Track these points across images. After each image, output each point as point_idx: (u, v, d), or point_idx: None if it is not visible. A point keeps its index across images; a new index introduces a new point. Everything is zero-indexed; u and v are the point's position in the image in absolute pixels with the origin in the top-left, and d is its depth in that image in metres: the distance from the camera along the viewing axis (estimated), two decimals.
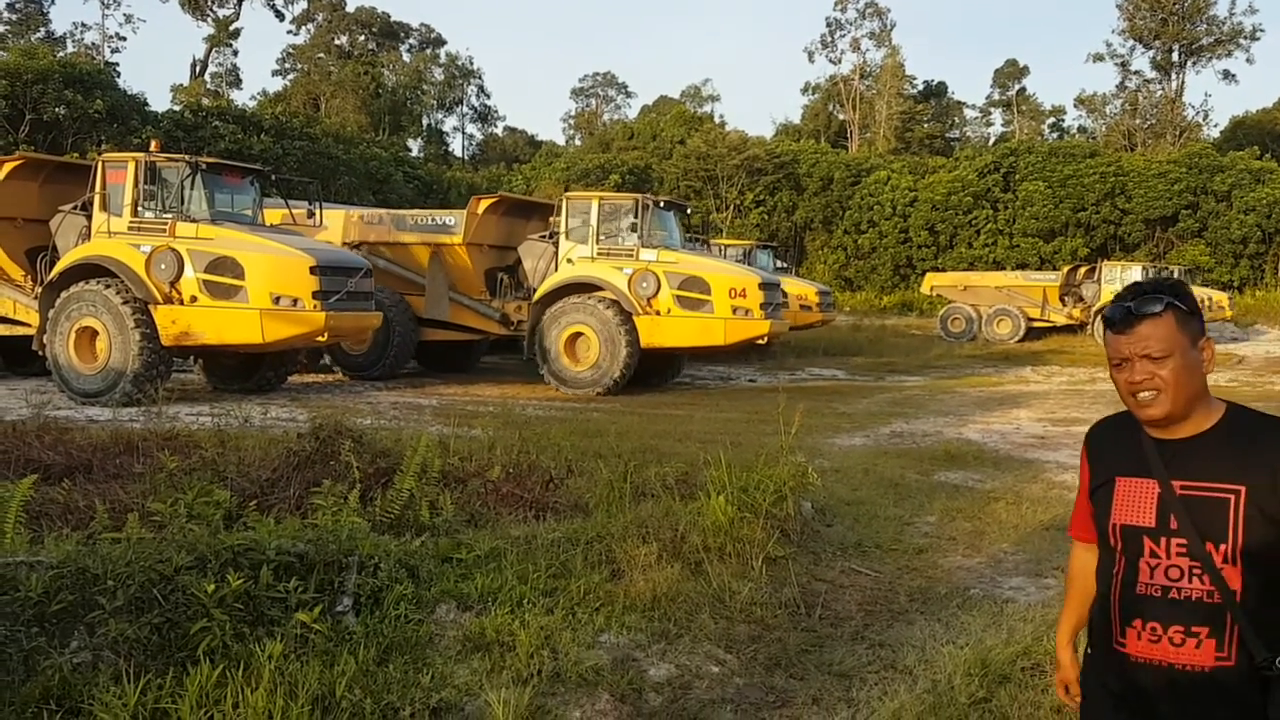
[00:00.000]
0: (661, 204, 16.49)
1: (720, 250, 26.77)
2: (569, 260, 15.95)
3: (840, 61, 70.67)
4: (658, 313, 15.36)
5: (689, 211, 18.44)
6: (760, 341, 16.09)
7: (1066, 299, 31.25)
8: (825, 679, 4.34)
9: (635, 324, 15.32)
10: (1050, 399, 16.21)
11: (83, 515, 5.23)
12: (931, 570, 6.02)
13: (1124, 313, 2.10)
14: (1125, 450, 2.21)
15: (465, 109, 76.35)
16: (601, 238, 15.80)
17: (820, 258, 49.97)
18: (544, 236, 16.45)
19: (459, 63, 74.81)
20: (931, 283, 34.11)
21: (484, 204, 16.49)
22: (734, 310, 15.31)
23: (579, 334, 15.50)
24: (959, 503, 7.77)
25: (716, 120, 66.03)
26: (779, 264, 29.30)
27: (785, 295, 25.06)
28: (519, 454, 7.51)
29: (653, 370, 16.83)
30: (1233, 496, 2.04)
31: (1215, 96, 77.26)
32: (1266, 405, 13.08)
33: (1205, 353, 2.13)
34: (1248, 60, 66.97)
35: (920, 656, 4.53)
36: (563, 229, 16.11)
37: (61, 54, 47.16)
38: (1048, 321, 31.11)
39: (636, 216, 15.75)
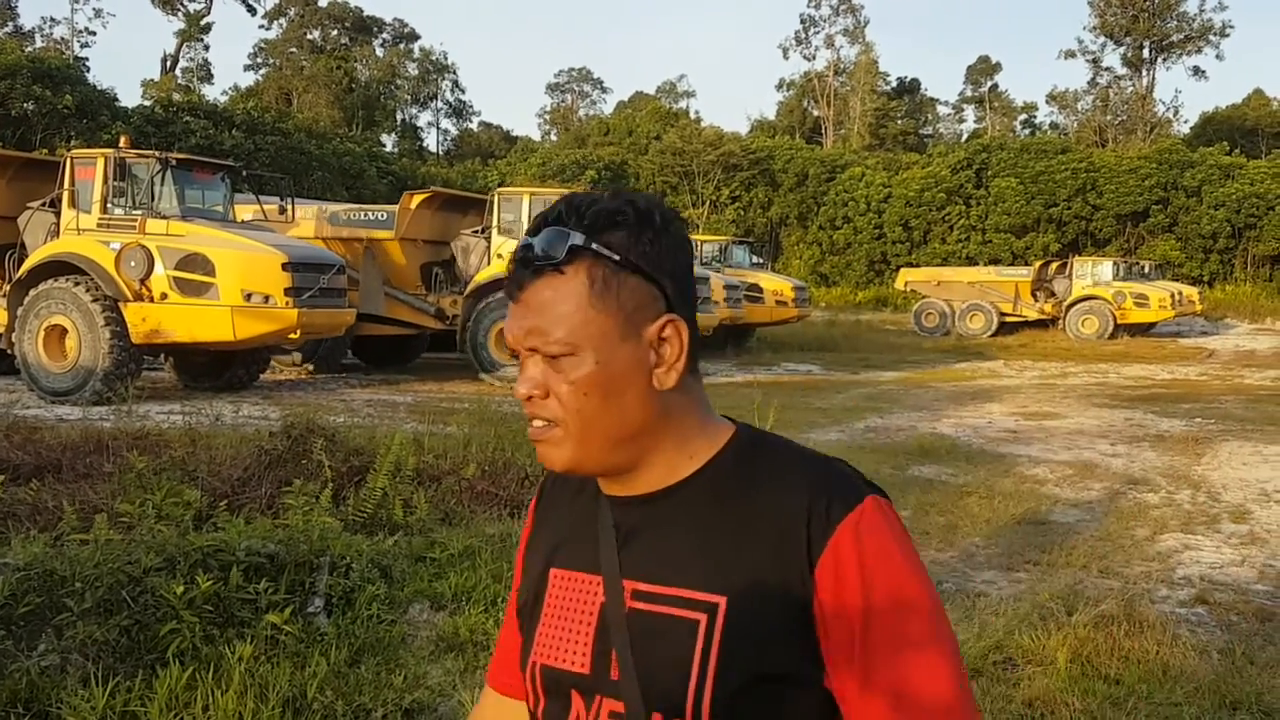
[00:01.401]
0: None
1: (697, 246, 26.83)
2: (499, 255, 16.15)
3: (815, 58, 71.01)
4: None
5: None
6: (706, 334, 16.23)
7: (1038, 294, 31.53)
8: None
9: None
10: (1022, 393, 16.34)
11: (51, 516, 5.17)
12: None
13: (521, 259, 1.14)
14: (578, 516, 1.25)
15: (440, 104, 76.01)
16: None
17: (796, 253, 50.15)
18: (477, 231, 16.68)
19: (433, 58, 74.48)
20: (905, 278, 34.31)
21: (417, 199, 16.65)
22: None
23: None
24: (932, 497, 7.81)
25: (692, 116, 66.12)
26: (755, 260, 29.36)
27: (751, 289, 25.22)
28: (494, 451, 7.50)
29: None
30: (703, 617, 1.11)
31: (1185, 93, 78.40)
32: (1237, 400, 13.31)
33: (667, 347, 1.14)
34: (1217, 57, 67.84)
35: None
36: (495, 224, 16.30)
37: (30, 49, 46.50)
38: (1020, 316, 31.37)
39: None
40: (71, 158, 13.31)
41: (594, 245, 1.11)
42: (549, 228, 1.13)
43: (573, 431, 1.14)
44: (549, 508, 1.32)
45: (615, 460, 1.16)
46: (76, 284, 12.48)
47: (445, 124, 77.41)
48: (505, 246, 16.07)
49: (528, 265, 1.13)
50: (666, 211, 1.17)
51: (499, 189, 17.17)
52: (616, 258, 1.11)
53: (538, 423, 1.16)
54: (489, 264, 16.18)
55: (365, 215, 16.81)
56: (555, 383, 1.13)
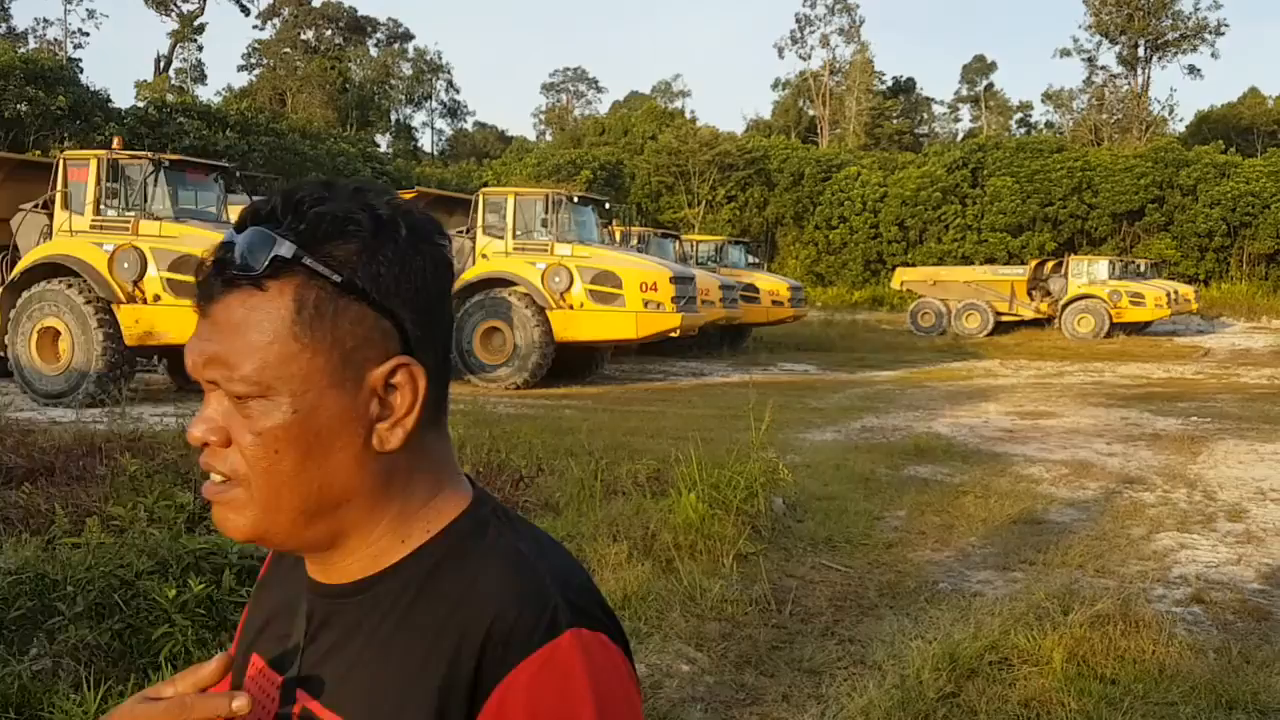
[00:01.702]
0: (575, 199, 16.86)
1: (693, 246, 26.83)
2: (484, 255, 16.19)
3: (810, 58, 71.32)
4: (570, 306, 15.62)
5: (607, 206, 18.70)
6: (673, 334, 16.34)
7: (1034, 293, 31.55)
8: (795, 675, 4.34)
9: (549, 318, 15.57)
10: (1018, 392, 16.34)
11: (44, 519, 5.15)
12: (901, 565, 6.04)
13: (215, 261, 0.89)
14: (290, 593, 1.01)
15: (434, 104, 75.98)
16: (517, 233, 16.08)
17: (792, 253, 50.16)
18: (460, 232, 16.71)
19: (427, 57, 74.43)
20: (901, 278, 34.33)
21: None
22: (645, 304, 15.59)
23: (494, 328, 15.76)
24: (928, 497, 7.81)
25: (688, 116, 66.04)
26: (751, 260, 29.36)
27: (747, 289, 25.20)
28: (489, 452, 7.49)
29: (573, 364, 17.06)
30: None
31: (1180, 91, 78.55)
32: (1233, 398, 13.30)
33: (396, 397, 0.90)
34: (1213, 55, 67.94)
35: (889, 651, 4.54)
36: (479, 224, 16.34)
37: (23, 50, 46.37)
38: (1016, 316, 31.39)
39: (550, 212, 16.03)
40: (64, 159, 13.26)
41: (307, 260, 0.84)
42: (254, 226, 0.86)
43: (257, 496, 0.87)
44: (275, 568, 1.08)
45: (310, 536, 0.90)
46: (69, 286, 12.44)
47: (440, 124, 77.54)
48: (490, 247, 16.16)
49: (221, 272, 0.87)
50: (419, 221, 0.90)
51: (484, 189, 17.22)
52: (338, 278, 0.85)
53: (215, 478, 0.89)
54: (473, 264, 16.25)
55: None
56: (239, 430, 0.87)
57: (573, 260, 15.67)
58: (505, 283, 15.85)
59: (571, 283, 15.52)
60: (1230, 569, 6.10)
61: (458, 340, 15.85)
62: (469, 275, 16.04)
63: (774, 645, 4.66)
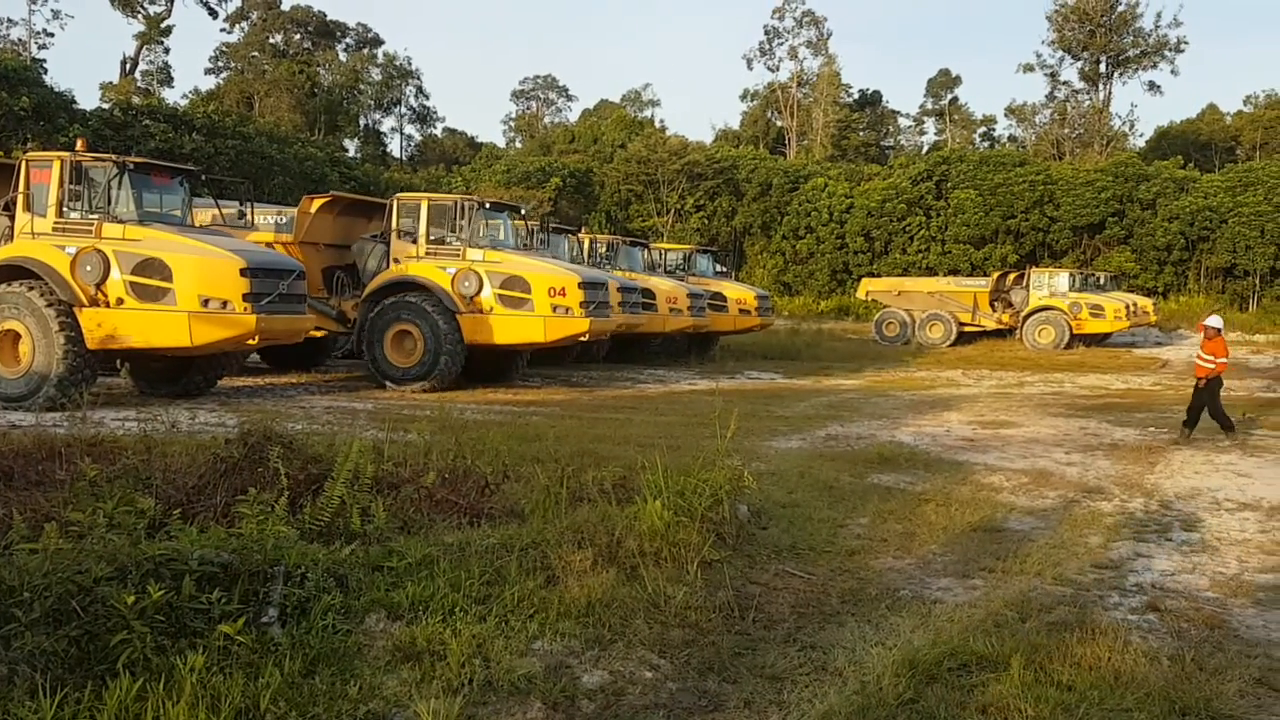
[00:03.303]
0: (488, 205, 17.07)
1: (661, 255, 26.89)
2: (396, 260, 16.32)
3: (778, 69, 71.47)
4: (480, 311, 15.77)
5: (523, 212, 18.86)
6: (582, 338, 16.48)
7: (996, 304, 31.95)
8: (757, 682, 4.37)
9: (459, 322, 15.71)
10: (980, 402, 16.52)
11: (1, 525, 5.07)
12: (863, 572, 6.09)
13: None
14: None
15: (403, 109, 75.63)
16: (430, 238, 16.20)
17: (759, 262, 50.42)
18: (374, 237, 16.84)
19: (397, 63, 74.09)
20: (867, 288, 34.62)
21: (316, 203, 16.71)
22: (554, 308, 15.77)
23: (405, 331, 15.89)
24: (891, 505, 7.88)
25: (657, 125, 66.32)
26: (719, 268, 29.48)
27: (714, 298, 25.29)
28: (455, 459, 7.45)
29: (491, 368, 17.24)
30: None
31: (1141, 107, 79.76)
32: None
33: None
34: (1172, 72, 68.98)
35: (850, 658, 4.59)
36: (394, 229, 16.44)
37: None
38: (978, 326, 31.76)
39: (462, 217, 16.20)
40: (26, 160, 13.07)
41: None
42: None
43: None
44: None
45: None
46: (31, 288, 12.26)
47: (409, 129, 77.09)
48: (404, 252, 16.30)
49: None
50: None
51: (398, 195, 17.32)
52: None
53: None
54: (387, 268, 16.36)
55: (267, 219, 16.80)
56: None
57: (483, 265, 15.86)
58: (417, 287, 16.00)
59: (481, 287, 15.72)
60: (1185, 577, 6.21)
61: (369, 343, 15.97)
62: (381, 279, 16.22)
63: (736, 652, 4.69)
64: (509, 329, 15.83)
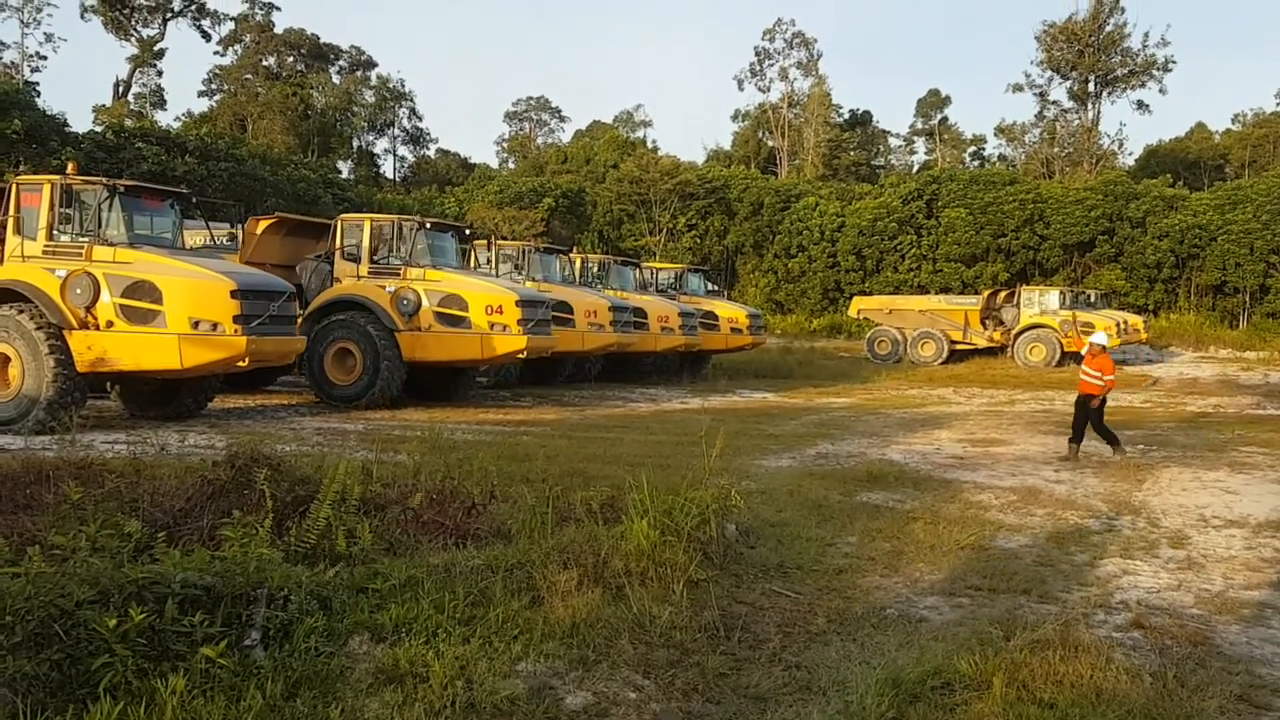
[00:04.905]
0: (429, 225, 17.27)
1: (653, 274, 26.97)
2: (338, 279, 16.55)
3: (769, 90, 71.83)
4: (419, 329, 15.92)
5: (467, 232, 19.01)
6: (520, 355, 16.58)
7: (987, 322, 32.06)
8: (741, 702, 4.37)
9: (398, 340, 15.85)
10: (970, 420, 16.56)
11: None
12: (850, 590, 6.10)
13: None
14: None
15: (397, 131, 75.86)
16: (375, 258, 16.39)
17: (751, 281, 50.57)
18: (319, 257, 16.97)
19: (390, 85, 74.37)
20: (858, 306, 34.73)
21: (262, 224, 16.87)
22: (491, 326, 15.93)
23: (346, 350, 16.02)
24: (879, 523, 7.89)
25: (649, 145, 66.56)
26: (711, 287, 29.56)
27: (706, 317, 25.35)
28: (443, 480, 7.45)
29: (441, 386, 17.44)
30: None
31: (1130, 126, 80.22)
32: (1179, 426, 13.56)
33: None
34: (1160, 91, 69.27)
35: (834, 677, 4.59)
36: (338, 249, 16.60)
37: None
38: (969, 344, 31.86)
39: (402, 237, 16.43)
40: (17, 184, 13.10)
41: None
42: None
43: None
44: None
45: None
46: (20, 311, 12.26)
47: (402, 151, 77.30)
48: (347, 271, 16.49)
49: None
50: None
51: (342, 215, 17.48)
52: None
53: None
54: (330, 287, 16.50)
55: (214, 240, 16.95)
56: None
57: (422, 284, 16.02)
58: (357, 305, 16.14)
59: (419, 305, 15.85)
60: (1171, 595, 6.23)
61: (310, 361, 16.06)
62: (322, 298, 16.36)
63: (721, 672, 4.69)
64: (447, 346, 15.99)
